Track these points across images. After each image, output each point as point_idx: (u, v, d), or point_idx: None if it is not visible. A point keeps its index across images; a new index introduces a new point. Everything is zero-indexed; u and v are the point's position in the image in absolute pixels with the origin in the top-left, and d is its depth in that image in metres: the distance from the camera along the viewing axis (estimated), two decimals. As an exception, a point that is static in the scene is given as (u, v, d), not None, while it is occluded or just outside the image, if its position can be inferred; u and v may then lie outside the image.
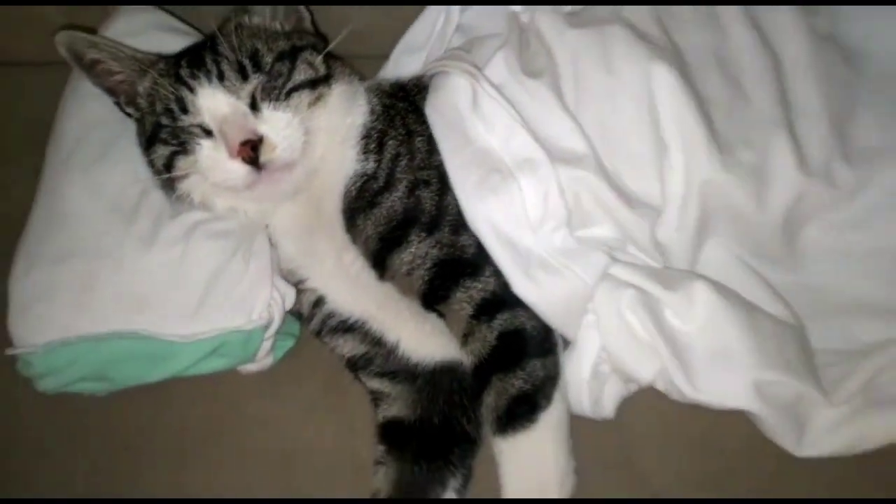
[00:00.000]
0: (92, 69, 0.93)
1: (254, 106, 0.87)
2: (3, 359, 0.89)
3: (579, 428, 0.87)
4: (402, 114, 0.96)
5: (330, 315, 0.95)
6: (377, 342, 0.95)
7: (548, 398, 0.83)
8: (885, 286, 0.91)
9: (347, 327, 0.95)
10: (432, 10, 1.06)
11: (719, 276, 0.90)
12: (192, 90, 0.88)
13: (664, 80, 0.90)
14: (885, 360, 0.85)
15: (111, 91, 0.95)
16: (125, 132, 0.95)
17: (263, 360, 0.95)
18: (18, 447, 0.93)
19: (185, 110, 0.88)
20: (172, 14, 1.09)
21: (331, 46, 0.96)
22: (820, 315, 0.91)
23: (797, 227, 0.93)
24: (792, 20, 0.98)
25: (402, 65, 1.08)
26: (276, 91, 0.89)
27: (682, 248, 0.91)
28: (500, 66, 0.94)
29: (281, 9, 0.97)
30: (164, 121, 0.89)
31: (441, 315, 0.90)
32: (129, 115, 0.96)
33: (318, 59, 0.93)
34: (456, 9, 1.04)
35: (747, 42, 0.97)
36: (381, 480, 0.88)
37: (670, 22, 0.99)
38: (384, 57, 1.09)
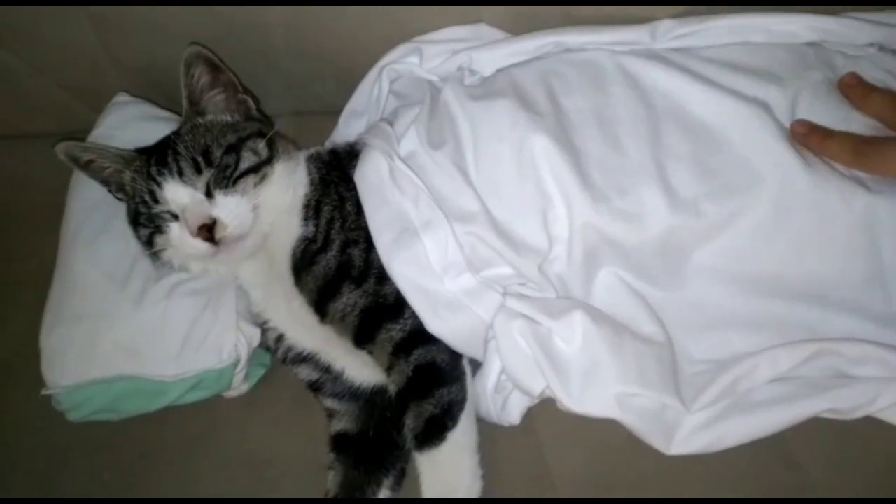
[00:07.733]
0: (87, 167, 1.09)
1: (209, 193, 1.01)
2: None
3: (498, 436, 0.99)
4: (335, 182, 1.09)
5: (289, 348, 1.10)
6: (327, 370, 1.09)
7: (454, 420, 0.95)
8: (751, 302, 1.00)
9: (303, 358, 1.09)
10: (369, 80, 1.19)
11: (609, 300, 0.99)
12: (159, 185, 1.02)
13: (540, 144, 1.01)
14: (742, 370, 0.94)
15: (104, 182, 1.10)
16: (119, 212, 1.10)
17: (240, 387, 1.11)
18: (59, 463, 1.10)
19: (155, 200, 1.03)
20: (156, 104, 1.24)
21: (273, 131, 1.10)
22: (700, 327, 1.00)
23: (677, 253, 1.01)
24: (666, 76, 1.07)
25: (349, 127, 1.22)
26: (226, 180, 1.02)
27: (575, 278, 1.01)
28: (412, 138, 1.08)
29: (232, 102, 1.11)
30: (142, 208, 1.04)
31: (370, 352, 1.02)
32: (119, 199, 1.11)
33: (262, 144, 1.06)
34: (386, 80, 1.18)
35: (625, 100, 1.06)
36: (331, 482, 1.03)
37: (560, 87, 1.08)
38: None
